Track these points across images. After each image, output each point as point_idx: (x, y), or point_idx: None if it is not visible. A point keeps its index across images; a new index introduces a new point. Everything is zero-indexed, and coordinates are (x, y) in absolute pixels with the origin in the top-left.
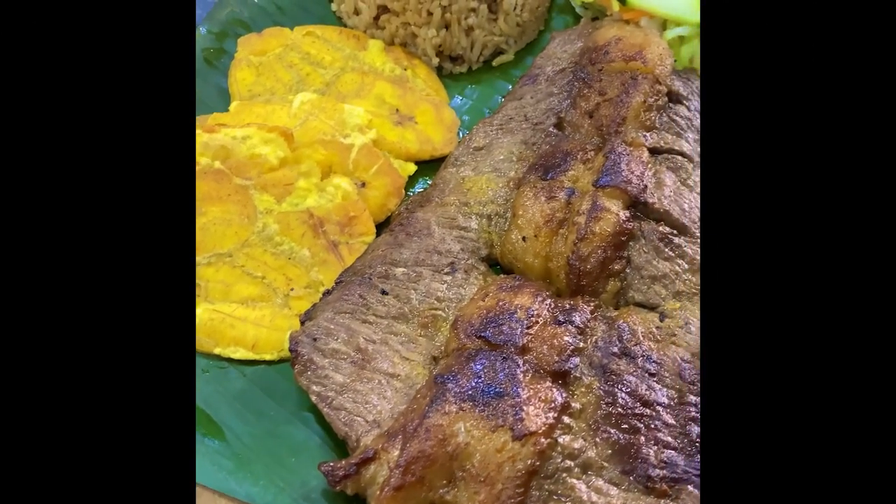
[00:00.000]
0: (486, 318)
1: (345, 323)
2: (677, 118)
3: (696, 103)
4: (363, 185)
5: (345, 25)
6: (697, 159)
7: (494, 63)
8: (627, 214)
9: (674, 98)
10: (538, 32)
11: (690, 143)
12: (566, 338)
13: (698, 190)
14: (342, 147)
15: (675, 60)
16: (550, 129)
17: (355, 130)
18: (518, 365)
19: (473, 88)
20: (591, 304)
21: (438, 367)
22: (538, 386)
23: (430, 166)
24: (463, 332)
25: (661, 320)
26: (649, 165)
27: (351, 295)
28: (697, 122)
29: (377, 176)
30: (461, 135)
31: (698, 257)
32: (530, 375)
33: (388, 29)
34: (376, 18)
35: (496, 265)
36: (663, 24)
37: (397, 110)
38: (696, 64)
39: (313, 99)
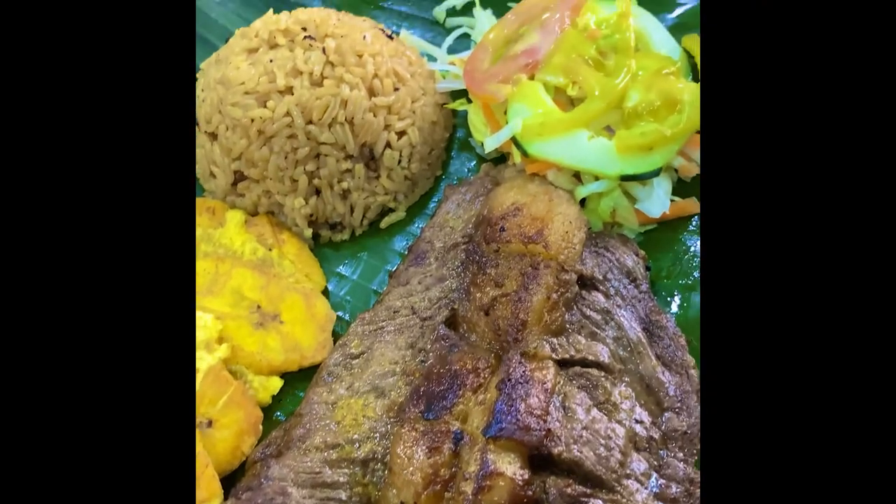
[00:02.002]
0: None
1: None
2: (591, 313)
3: (616, 282)
4: (209, 424)
5: (202, 190)
6: (619, 365)
7: (383, 224)
8: (526, 475)
9: (587, 283)
10: (434, 179)
11: (610, 344)
12: None
13: (619, 416)
14: None
15: (591, 227)
16: (441, 328)
17: (202, 348)
18: None
19: (357, 260)
20: None
21: None
22: None
23: (300, 376)
24: None
25: None
26: (556, 389)
27: None
28: (619, 314)
29: (228, 410)
30: (347, 324)
31: None
32: None
33: (250, 197)
34: (235, 184)
35: None
36: (576, 173)
37: (259, 307)
38: (620, 216)
39: None
